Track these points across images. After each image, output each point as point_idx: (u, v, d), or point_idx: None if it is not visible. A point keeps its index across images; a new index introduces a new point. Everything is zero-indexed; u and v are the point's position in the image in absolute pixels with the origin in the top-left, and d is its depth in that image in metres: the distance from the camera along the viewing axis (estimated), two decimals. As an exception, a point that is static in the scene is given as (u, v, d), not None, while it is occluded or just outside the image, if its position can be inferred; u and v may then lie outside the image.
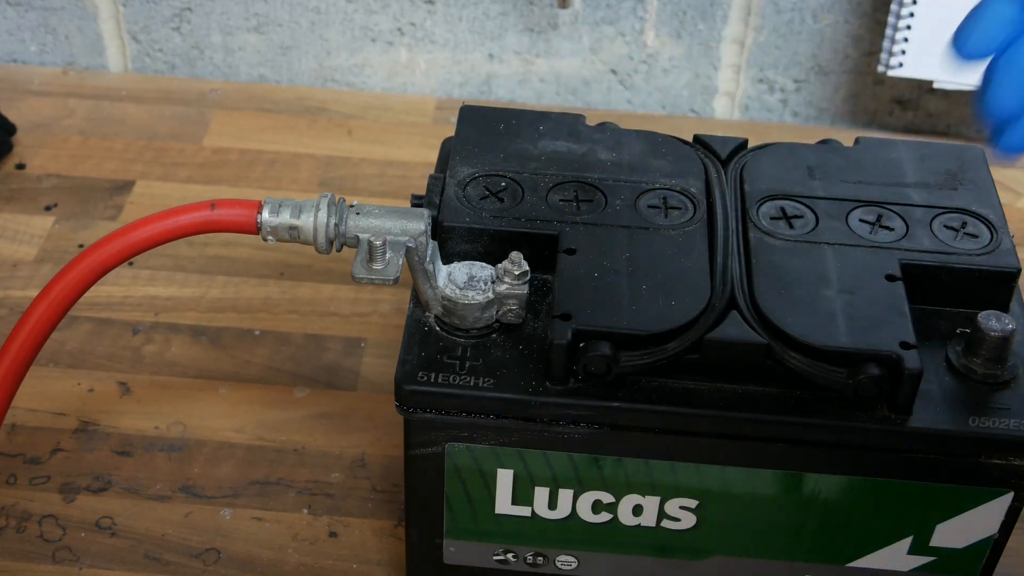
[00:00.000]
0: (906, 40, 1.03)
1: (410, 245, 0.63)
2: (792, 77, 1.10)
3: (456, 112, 0.76)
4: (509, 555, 0.68)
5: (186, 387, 0.85)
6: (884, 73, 1.06)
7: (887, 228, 0.69)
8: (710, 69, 1.10)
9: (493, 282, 0.64)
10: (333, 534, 0.76)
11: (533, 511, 0.66)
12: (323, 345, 0.88)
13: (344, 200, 0.65)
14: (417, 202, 0.69)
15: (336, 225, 0.64)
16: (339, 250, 0.65)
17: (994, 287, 0.67)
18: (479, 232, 0.67)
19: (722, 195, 0.70)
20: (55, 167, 1.02)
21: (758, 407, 0.62)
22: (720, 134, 0.75)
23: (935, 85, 1.07)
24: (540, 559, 0.68)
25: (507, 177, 0.70)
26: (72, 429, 0.82)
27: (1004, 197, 1.00)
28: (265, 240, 0.65)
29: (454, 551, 0.68)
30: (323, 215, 0.63)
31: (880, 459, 0.63)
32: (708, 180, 0.71)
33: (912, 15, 1.02)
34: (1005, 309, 0.67)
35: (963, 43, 0.58)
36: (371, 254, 0.62)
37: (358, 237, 0.63)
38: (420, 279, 0.64)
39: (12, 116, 1.05)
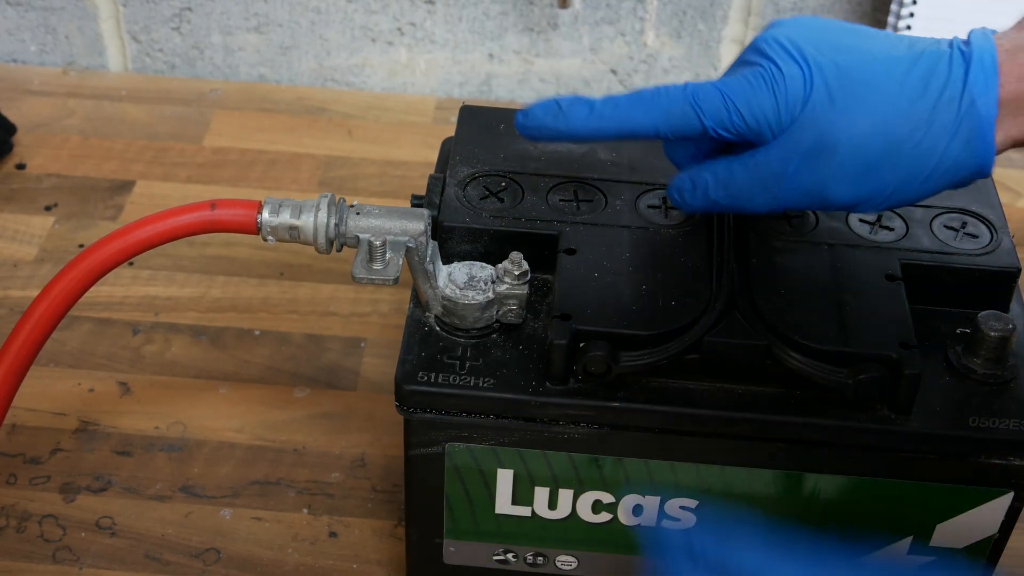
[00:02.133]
0: (906, 40, 1.03)
1: (410, 245, 0.63)
2: (792, 77, 1.10)
3: (456, 112, 0.76)
4: (509, 555, 0.68)
5: (186, 387, 0.85)
6: (884, 73, 1.06)
7: (887, 228, 0.69)
8: (710, 69, 1.10)
9: (493, 282, 0.64)
10: (333, 534, 0.76)
11: (533, 511, 0.66)
12: (323, 345, 0.88)
13: (344, 200, 0.65)
14: (417, 202, 0.69)
15: (336, 225, 0.64)
16: (339, 250, 0.65)
17: (994, 287, 0.67)
18: (479, 232, 0.67)
19: (722, 195, 0.70)
20: (55, 167, 1.02)
21: (758, 407, 0.62)
22: (720, 134, 0.75)
23: (935, 85, 1.06)
24: (540, 559, 0.68)
25: (507, 177, 0.70)
26: (72, 429, 0.82)
27: (1004, 197, 1.00)
28: (265, 240, 0.65)
29: (454, 551, 0.68)
30: (323, 215, 0.63)
31: (880, 459, 0.63)
32: (708, 180, 0.71)
33: (912, 15, 1.02)
34: (1005, 309, 0.67)
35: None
36: (371, 254, 0.61)
37: (358, 237, 0.63)
38: (420, 279, 0.64)
39: (12, 116, 1.05)
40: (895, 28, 1.03)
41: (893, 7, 1.03)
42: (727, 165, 0.60)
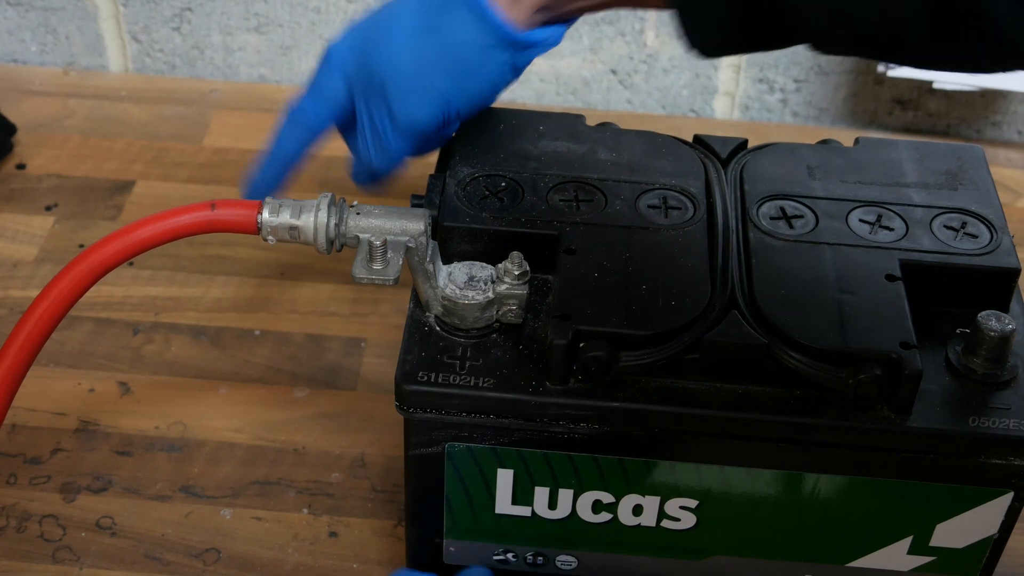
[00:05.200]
0: (906, 40, 1.03)
1: (410, 245, 0.63)
2: (792, 77, 1.10)
3: (456, 112, 0.76)
4: (509, 555, 0.68)
5: (186, 387, 0.85)
6: (884, 73, 1.06)
7: (887, 228, 0.69)
8: (710, 69, 1.10)
9: (493, 282, 0.64)
10: (333, 534, 0.76)
11: (533, 511, 0.66)
12: (323, 345, 0.88)
13: (344, 200, 0.65)
14: (417, 202, 0.70)
15: (336, 225, 0.64)
16: (339, 250, 0.65)
17: (994, 287, 0.67)
18: (479, 232, 0.67)
19: (722, 195, 0.70)
20: (55, 167, 1.02)
21: (758, 407, 0.62)
22: (720, 134, 0.75)
23: (935, 85, 1.07)
24: (540, 559, 0.68)
25: (507, 177, 0.70)
26: (72, 429, 0.82)
27: (1004, 197, 1.00)
28: (265, 240, 0.65)
29: (454, 551, 0.68)
30: (323, 215, 0.63)
31: (880, 459, 0.63)
32: (708, 180, 0.71)
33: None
34: (1005, 309, 0.67)
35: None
36: (371, 254, 0.61)
37: (358, 237, 0.63)
38: (420, 279, 0.64)
39: (12, 116, 1.05)
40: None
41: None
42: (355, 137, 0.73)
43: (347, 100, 0.72)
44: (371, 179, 0.74)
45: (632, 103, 1.13)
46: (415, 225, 0.63)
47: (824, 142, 0.75)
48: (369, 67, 0.69)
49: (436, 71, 0.66)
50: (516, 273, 0.64)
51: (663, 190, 0.70)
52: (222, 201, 0.64)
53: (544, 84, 1.12)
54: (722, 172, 0.72)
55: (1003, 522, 0.65)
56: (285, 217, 0.64)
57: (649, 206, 0.69)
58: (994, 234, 0.68)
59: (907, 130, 1.12)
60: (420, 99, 0.68)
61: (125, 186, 1.01)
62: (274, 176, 0.75)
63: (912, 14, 0.54)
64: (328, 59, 0.72)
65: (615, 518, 0.66)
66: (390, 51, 0.68)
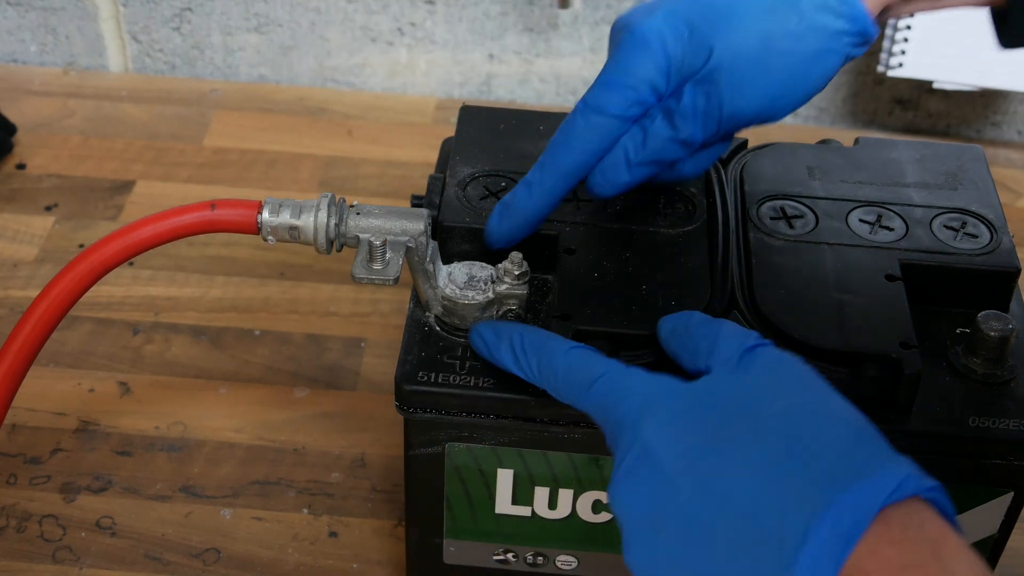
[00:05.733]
0: (906, 40, 1.03)
1: (410, 245, 0.63)
2: (792, 77, 1.10)
3: (456, 112, 0.76)
4: (509, 555, 0.68)
5: (186, 387, 0.85)
6: (884, 73, 1.06)
7: (887, 228, 0.69)
8: (710, 69, 1.10)
9: (493, 282, 0.64)
10: (333, 534, 0.76)
11: (533, 511, 0.66)
12: (323, 345, 0.88)
13: (344, 200, 0.65)
14: (417, 202, 0.70)
15: (336, 225, 0.64)
16: (339, 250, 0.65)
17: (994, 287, 0.67)
18: (479, 232, 0.67)
19: (722, 195, 0.70)
20: (55, 167, 1.02)
21: (758, 407, 0.62)
22: (720, 134, 0.75)
23: (935, 85, 1.07)
24: (540, 559, 0.68)
25: (507, 177, 0.70)
26: (72, 429, 0.82)
27: (1004, 197, 1.00)
28: (265, 240, 0.65)
29: (454, 551, 0.68)
30: (323, 215, 0.63)
31: (880, 459, 0.63)
32: (708, 180, 0.71)
33: (912, 15, 1.02)
34: (1005, 309, 0.67)
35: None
36: (371, 254, 0.61)
37: (358, 237, 0.63)
38: (420, 279, 0.64)
39: (12, 116, 1.05)
40: (895, 28, 1.04)
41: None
42: (639, 133, 0.63)
43: (659, 89, 0.62)
44: (628, 177, 0.64)
45: (632, 103, 1.13)
46: (415, 225, 0.63)
47: (824, 142, 0.75)
48: (702, 48, 0.60)
49: (778, 58, 0.60)
50: (516, 273, 0.64)
51: (663, 190, 0.70)
52: (222, 201, 0.64)
53: (544, 84, 1.12)
54: (722, 172, 0.72)
55: (1003, 522, 0.65)
56: (285, 217, 0.64)
57: (649, 206, 0.69)
58: (994, 234, 0.68)
59: (907, 130, 1.12)
60: (752, 90, 0.60)
61: (125, 186, 1.01)
62: (556, 187, 0.64)
63: None
64: (639, 39, 0.61)
65: (615, 518, 0.66)
66: (733, 31, 0.60)
